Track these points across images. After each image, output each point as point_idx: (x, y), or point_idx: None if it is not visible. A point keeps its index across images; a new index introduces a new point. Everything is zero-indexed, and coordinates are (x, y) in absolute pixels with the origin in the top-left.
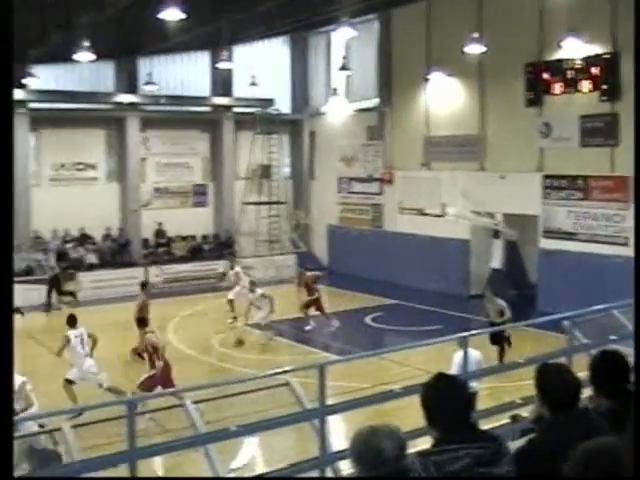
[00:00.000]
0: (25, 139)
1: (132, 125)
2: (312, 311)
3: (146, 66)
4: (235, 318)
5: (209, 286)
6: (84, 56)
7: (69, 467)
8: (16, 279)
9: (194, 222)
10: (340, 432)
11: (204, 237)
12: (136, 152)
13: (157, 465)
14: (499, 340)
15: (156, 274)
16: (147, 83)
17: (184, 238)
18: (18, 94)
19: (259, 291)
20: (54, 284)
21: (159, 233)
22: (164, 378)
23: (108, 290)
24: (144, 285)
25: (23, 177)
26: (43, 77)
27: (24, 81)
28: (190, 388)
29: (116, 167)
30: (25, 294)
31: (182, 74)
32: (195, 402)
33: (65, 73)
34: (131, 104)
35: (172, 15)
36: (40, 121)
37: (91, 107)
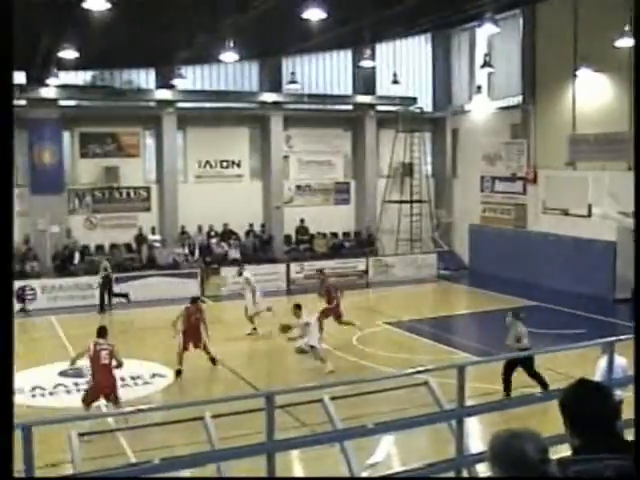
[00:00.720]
0: (173, 137)
1: (275, 123)
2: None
3: (289, 65)
4: (255, 329)
5: (350, 283)
6: (229, 56)
7: (211, 455)
8: (163, 272)
9: (336, 219)
10: (477, 434)
11: (345, 234)
12: (279, 150)
13: (294, 458)
14: (511, 369)
15: (297, 270)
16: (290, 82)
17: (325, 235)
18: (166, 94)
19: (305, 317)
20: (107, 285)
21: (301, 230)
22: (99, 395)
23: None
24: (195, 300)
25: (171, 174)
26: (190, 77)
27: (172, 82)
28: (328, 384)
29: (259, 165)
30: (172, 287)
31: (325, 73)
32: (333, 398)
33: (211, 73)
34: (275, 103)
35: (315, 15)
36: (187, 120)
37: (236, 106)
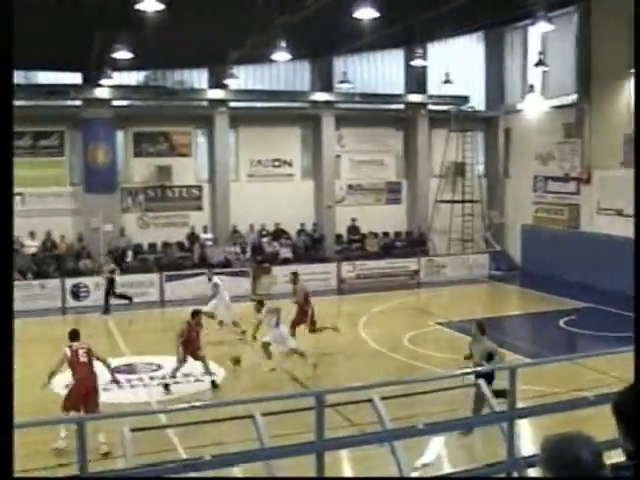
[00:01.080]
0: (225, 137)
1: (327, 123)
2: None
3: (341, 64)
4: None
5: (401, 283)
6: (281, 56)
7: (261, 453)
8: (214, 271)
9: (387, 219)
10: (528, 437)
11: (397, 234)
12: (331, 149)
13: (343, 457)
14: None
15: (348, 270)
16: (342, 81)
17: (377, 235)
18: (219, 94)
19: (265, 310)
20: (111, 286)
21: (352, 229)
22: (81, 398)
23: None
24: (195, 314)
25: (223, 173)
26: (242, 77)
27: (225, 81)
28: (378, 384)
29: (311, 164)
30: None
31: (376, 72)
32: (383, 398)
33: (263, 73)
34: (326, 102)
35: (366, 14)
36: (239, 119)
37: (288, 105)
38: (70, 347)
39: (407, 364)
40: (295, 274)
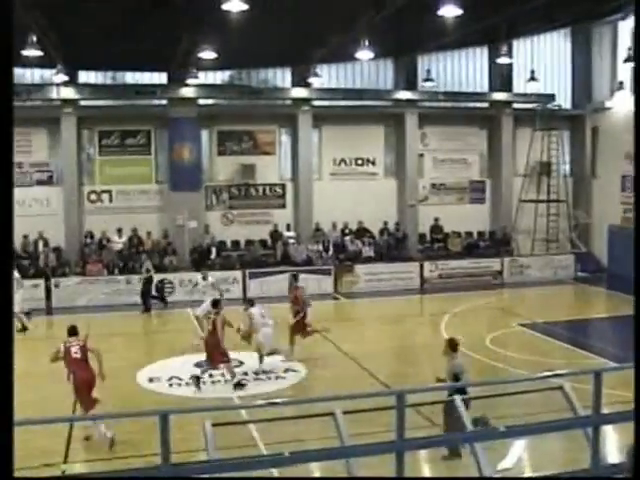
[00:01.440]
0: (308, 135)
1: (410, 121)
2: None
3: (425, 63)
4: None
5: (484, 283)
6: (364, 54)
7: (341, 450)
8: (297, 269)
9: (471, 218)
10: (614, 444)
11: (480, 234)
12: (414, 148)
13: (421, 458)
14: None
15: (431, 269)
16: (425, 80)
17: (460, 234)
18: (302, 92)
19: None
20: (148, 285)
21: (435, 229)
22: (81, 395)
23: (383, 283)
24: (216, 303)
25: (306, 172)
26: (325, 76)
27: (308, 80)
28: (460, 385)
29: (394, 162)
30: (306, 283)
31: (460, 70)
32: (463, 399)
33: (346, 71)
34: (410, 101)
35: (450, 11)
36: (322, 118)
37: (371, 104)
38: (65, 342)
39: (489, 365)
40: (295, 276)
